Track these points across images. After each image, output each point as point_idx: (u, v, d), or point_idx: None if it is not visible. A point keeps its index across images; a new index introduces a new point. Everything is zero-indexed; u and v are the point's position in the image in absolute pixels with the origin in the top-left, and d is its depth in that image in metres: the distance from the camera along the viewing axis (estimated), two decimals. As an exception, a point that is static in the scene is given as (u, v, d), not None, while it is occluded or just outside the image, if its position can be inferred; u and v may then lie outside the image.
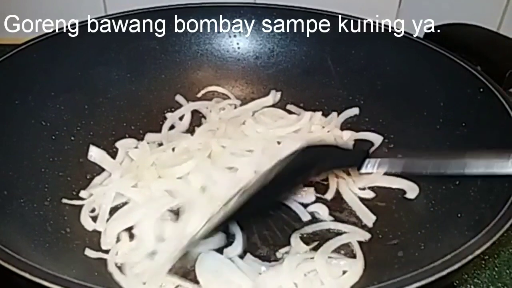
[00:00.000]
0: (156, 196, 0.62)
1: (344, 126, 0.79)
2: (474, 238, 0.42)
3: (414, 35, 0.77)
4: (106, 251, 0.58)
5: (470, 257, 0.39)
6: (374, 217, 0.63)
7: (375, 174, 0.67)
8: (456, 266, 0.39)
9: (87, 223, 0.61)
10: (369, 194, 0.67)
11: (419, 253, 0.54)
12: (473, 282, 0.64)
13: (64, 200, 0.63)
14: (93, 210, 0.63)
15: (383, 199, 0.67)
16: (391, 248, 0.58)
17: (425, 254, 0.53)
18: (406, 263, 0.54)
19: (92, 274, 0.54)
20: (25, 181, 0.61)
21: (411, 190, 0.66)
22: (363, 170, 0.58)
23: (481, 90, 0.64)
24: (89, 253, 0.57)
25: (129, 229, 0.60)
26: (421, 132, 0.71)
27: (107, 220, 0.62)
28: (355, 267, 0.56)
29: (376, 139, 0.75)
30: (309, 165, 0.54)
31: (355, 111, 0.80)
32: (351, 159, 0.59)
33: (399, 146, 0.73)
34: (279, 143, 0.74)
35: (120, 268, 0.55)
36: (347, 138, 0.76)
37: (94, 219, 0.62)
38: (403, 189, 0.67)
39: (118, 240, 0.59)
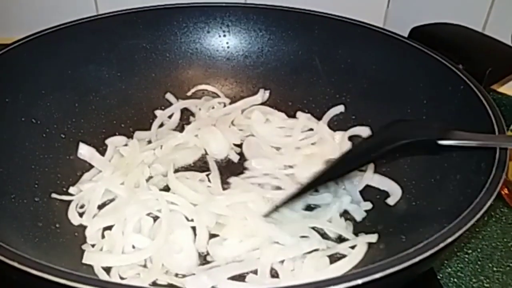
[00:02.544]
0: (143, 197, 0.63)
1: (331, 125, 0.81)
2: (447, 227, 0.43)
3: (399, 35, 0.78)
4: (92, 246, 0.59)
5: (441, 245, 0.41)
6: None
7: (368, 173, 0.69)
8: (428, 253, 0.40)
9: (74, 218, 0.62)
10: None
11: (400, 245, 0.56)
12: (456, 275, 0.66)
13: (54, 195, 0.64)
14: (82, 206, 0.64)
15: (367, 195, 0.69)
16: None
17: (406, 245, 0.54)
18: (388, 255, 0.55)
19: (82, 268, 0.55)
20: (15, 178, 0.62)
21: (394, 195, 0.67)
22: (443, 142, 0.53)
23: (462, 87, 0.65)
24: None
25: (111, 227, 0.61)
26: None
27: (94, 216, 0.63)
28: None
29: (364, 132, 0.77)
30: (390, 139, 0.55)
31: (340, 108, 0.81)
32: (428, 131, 0.55)
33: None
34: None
35: (106, 271, 0.56)
36: (338, 138, 0.77)
37: (82, 214, 0.63)
38: (386, 192, 0.68)
39: (103, 236, 0.60)
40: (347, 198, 0.66)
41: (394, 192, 0.67)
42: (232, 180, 0.69)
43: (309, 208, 0.66)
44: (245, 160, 0.75)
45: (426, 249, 0.41)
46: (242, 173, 0.72)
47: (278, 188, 0.68)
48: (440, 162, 0.64)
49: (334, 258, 0.59)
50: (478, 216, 0.44)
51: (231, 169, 0.73)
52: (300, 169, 0.71)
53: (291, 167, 0.72)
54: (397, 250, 0.54)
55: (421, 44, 0.74)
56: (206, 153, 0.75)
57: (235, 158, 0.75)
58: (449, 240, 0.41)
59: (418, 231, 0.55)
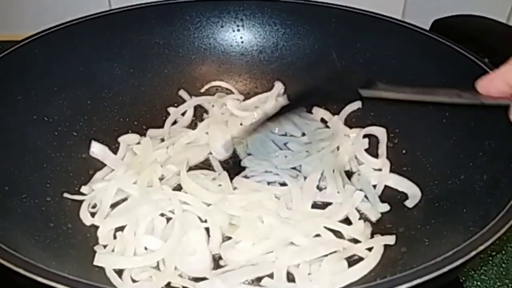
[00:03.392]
0: (155, 197, 0.62)
1: (349, 121, 0.78)
2: (478, 234, 0.41)
3: (420, 27, 0.75)
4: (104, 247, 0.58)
5: (473, 253, 0.38)
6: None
7: (384, 173, 0.66)
8: (458, 262, 0.38)
9: (86, 218, 0.61)
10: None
11: (423, 248, 0.53)
12: (480, 278, 0.63)
13: (66, 195, 0.63)
14: (94, 206, 0.63)
15: (387, 196, 0.66)
16: (394, 244, 0.57)
17: (429, 249, 0.52)
18: (410, 259, 0.53)
19: (93, 270, 0.54)
20: (27, 177, 0.61)
21: (413, 197, 0.64)
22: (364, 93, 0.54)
23: (489, 82, 0.62)
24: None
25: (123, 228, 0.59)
26: (427, 126, 0.70)
27: (107, 216, 0.62)
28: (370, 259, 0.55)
29: (381, 133, 0.74)
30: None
31: (357, 104, 0.78)
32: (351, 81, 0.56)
33: (405, 141, 0.72)
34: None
35: (118, 273, 0.54)
36: (353, 135, 0.75)
37: (94, 214, 0.62)
38: (405, 194, 0.66)
39: (115, 237, 0.59)
40: (360, 197, 0.63)
41: (413, 194, 0.64)
42: (236, 180, 0.67)
43: (320, 206, 0.64)
44: (244, 158, 0.72)
45: (457, 258, 0.38)
46: (241, 171, 0.69)
47: (284, 184, 0.66)
48: (465, 162, 0.61)
49: (352, 261, 0.56)
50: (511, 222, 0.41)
51: (232, 168, 0.71)
52: (307, 165, 0.69)
53: (296, 164, 0.70)
54: (420, 254, 0.52)
55: (444, 37, 0.71)
56: (210, 152, 0.73)
57: (237, 157, 0.73)
58: (481, 248, 0.38)
59: (442, 234, 0.53)
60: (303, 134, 0.76)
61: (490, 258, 0.65)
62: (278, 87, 0.84)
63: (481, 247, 0.39)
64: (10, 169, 0.60)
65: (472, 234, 0.44)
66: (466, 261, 0.39)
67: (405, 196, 0.65)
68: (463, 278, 0.62)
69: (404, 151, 0.71)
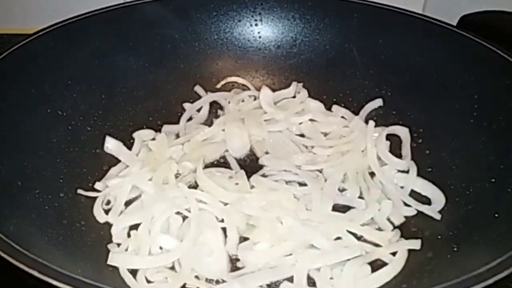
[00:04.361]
0: (171, 195, 0.60)
1: (369, 119, 0.75)
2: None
3: (446, 23, 0.72)
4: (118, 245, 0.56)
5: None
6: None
7: (411, 175, 0.64)
8: (499, 277, 0.35)
9: (100, 215, 0.60)
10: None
11: (451, 255, 0.51)
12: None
13: (79, 191, 0.61)
14: (108, 203, 0.62)
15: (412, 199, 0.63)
16: (419, 249, 0.55)
17: (458, 256, 0.50)
18: (437, 266, 0.51)
19: (107, 269, 0.52)
20: (40, 172, 0.60)
21: (436, 203, 0.61)
22: None
23: (521, 81, 0.59)
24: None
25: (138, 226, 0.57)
26: (453, 126, 0.67)
27: (121, 213, 0.60)
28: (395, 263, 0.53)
29: (404, 133, 0.71)
30: None
31: (378, 102, 0.76)
32: None
33: (429, 141, 0.69)
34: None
35: (132, 273, 0.52)
36: (375, 135, 0.71)
37: (107, 211, 0.60)
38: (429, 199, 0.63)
39: (129, 235, 0.57)
40: (389, 207, 0.60)
41: (437, 200, 0.62)
42: (253, 178, 0.65)
43: (340, 208, 0.61)
44: (261, 156, 0.70)
45: (499, 271, 0.35)
46: (258, 170, 0.67)
47: (303, 184, 0.64)
48: (495, 163, 0.58)
49: (375, 266, 0.54)
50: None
51: (249, 166, 0.69)
52: (328, 165, 0.67)
53: (318, 167, 0.67)
54: (448, 260, 0.50)
55: (472, 33, 0.68)
56: (227, 150, 0.71)
57: (253, 155, 0.71)
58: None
59: (472, 240, 0.50)
60: (325, 135, 0.74)
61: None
62: (296, 86, 0.81)
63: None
64: (23, 163, 0.59)
65: (507, 242, 0.41)
66: (502, 279, 0.36)
67: (428, 200, 0.63)
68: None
69: (428, 152, 0.68)
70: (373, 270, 0.53)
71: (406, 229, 0.59)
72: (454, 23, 0.77)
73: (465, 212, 0.57)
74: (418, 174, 0.65)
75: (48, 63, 0.69)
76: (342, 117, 0.77)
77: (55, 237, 0.53)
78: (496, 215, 0.52)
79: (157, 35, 0.80)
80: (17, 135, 0.61)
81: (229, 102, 0.80)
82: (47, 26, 0.71)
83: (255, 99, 0.80)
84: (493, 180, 0.57)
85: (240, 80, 0.84)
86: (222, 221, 0.58)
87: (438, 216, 0.59)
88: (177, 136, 0.74)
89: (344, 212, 0.61)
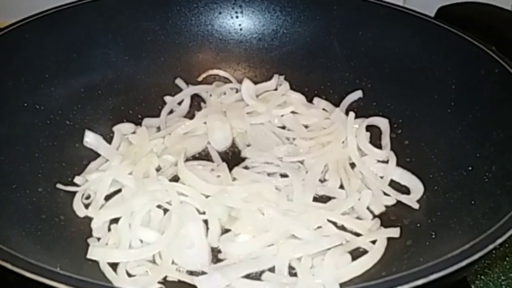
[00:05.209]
0: (152, 188, 0.60)
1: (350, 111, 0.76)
2: (493, 228, 0.39)
3: (424, 15, 0.73)
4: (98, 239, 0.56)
5: (490, 247, 0.36)
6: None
7: (390, 165, 0.65)
8: (475, 257, 0.36)
9: (79, 210, 0.59)
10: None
11: (429, 242, 0.52)
12: (483, 272, 0.62)
13: (58, 185, 0.61)
14: (88, 197, 0.61)
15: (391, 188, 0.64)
16: (399, 237, 0.56)
17: (437, 243, 0.51)
18: (416, 253, 0.52)
19: (87, 264, 0.52)
20: (17, 167, 0.59)
21: (415, 192, 0.62)
22: None
23: (496, 71, 0.60)
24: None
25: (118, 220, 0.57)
26: (432, 116, 0.68)
27: (101, 207, 0.59)
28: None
29: (384, 123, 0.72)
30: None
31: (358, 94, 0.77)
32: None
33: (408, 131, 0.70)
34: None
35: (113, 267, 0.52)
36: (356, 126, 0.72)
37: (87, 206, 0.60)
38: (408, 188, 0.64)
39: (109, 229, 0.57)
40: (368, 197, 0.61)
41: (415, 189, 0.63)
42: (235, 170, 0.65)
43: (321, 199, 0.62)
44: (243, 149, 0.70)
45: (466, 256, 0.36)
46: (241, 162, 0.67)
47: (285, 176, 0.64)
48: (471, 152, 0.59)
49: (355, 254, 0.55)
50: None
51: (231, 159, 0.69)
52: (309, 157, 0.67)
53: (300, 159, 0.68)
54: (427, 247, 0.51)
55: (449, 25, 0.69)
56: (209, 143, 0.71)
57: (235, 147, 0.71)
58: (499, 241, 0.36)
59: (450, 227, 0.51)
60: (306, 127, 0.74)
61: (493, 252, 0.64)
62: (277, 79, 0.81)
63: (499, 240, 0.37)
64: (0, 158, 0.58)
65: (482, 227, 0.42)
66: (476, 260, 0.37)
67: (407, 190, 0.64)
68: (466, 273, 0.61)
69: (407, 142, 0.70)
70: (354, 258, 0.54)
71: (385, 218, 0.60)
72: (433, 15, 0.78)
73: (443, 200, 0.58)
74: (398, 164, 0.66)
75: (25, 56, 0.67)
76: (323, 109, 0.77)
77: (33, 232, 0.53)
78: (472, 201, 0.53)
79: (137, 28, 0.79)
80: (-7, 130, 0.60)
81: (210, 95, 0.79)
82: (23, 18, 0.69)
83: (237, 91, 0.80)
84: (469, 168, 0.58)
85: (221, 72, 0.83)
86: (204, 213, 0.58)
87: (416, 206, 0.60)
88: (158, 129, 0.73)
89: (325, 202, 0.61)
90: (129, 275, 0.52)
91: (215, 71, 0.83)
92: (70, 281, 0.33)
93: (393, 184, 0.65)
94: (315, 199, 0.61)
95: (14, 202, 0.55)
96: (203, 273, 0.52)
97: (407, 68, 0.73)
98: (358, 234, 0.57)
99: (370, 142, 0.69)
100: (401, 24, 0.74)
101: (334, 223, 0.58)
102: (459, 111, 0.65)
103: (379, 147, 0.69)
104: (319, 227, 0.57)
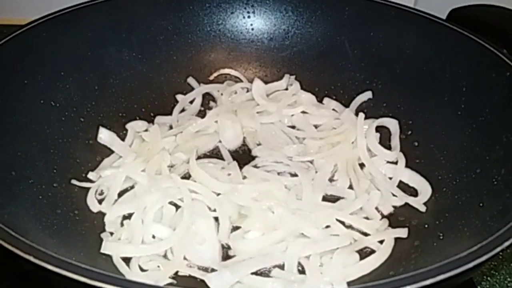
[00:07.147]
0: (164, 185, 0.61)
1: (360, 111, 0.77)
2: (501, 230, 0.39)
3: (436, 16, 0.73)
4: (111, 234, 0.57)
5: (498, 249, 0.37)
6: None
7: (399, 167, 0.65)
8: (482, 259, 0.36)
9: (93, 205, 0.60)
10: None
11: (437, 243, 0.52)
12: (490, 273, 0.62)
13: (73, 181, 0.62)
14: (101, 193, 0.62)
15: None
16: (406, 237, 0.56)
17: (444, 244, 0.51)
18: (424, 253, 0.52)
19: (100, 258, 0.53)
20: (33, 162, 0.60)
21: (423, 194, 0.62)
22: None
23: (508, 74, 0.61)
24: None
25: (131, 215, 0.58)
26: (441, 118, 0.68)
27: (114, 202, 0.61)
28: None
29: (393, 125, 0.72)
30: None
31: (368, 95, 0.77)
32: None
33: (418, 133, 0.71)
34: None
35: (126, 261, 0.54)
36: (365, 127, 0.72)
37: (101, 201, 0.61)
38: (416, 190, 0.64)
39: (122, 224, 0.58)
40: (377, 197, 0.62)
41: (424, 191, 0.63)
42: (245, 169, 0.66)
43: (331, 199, 0.63)
44: (254, 147, 0.71)
45: (481, 254, 0.37)
46: (251, 161, 0.68)
47: (295, 175, 0.65)
48: (481, 155, 0.59)
49: (363, 254, 0.55)
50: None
51: (242, 157, 0.70)
52: (319, 156, 0.68)
53: (309, 158, 0.68)
54: (435, 248, 0.51)
55: (460, 27, 0.69)
56: (220, 141, 0.72)
57: (246, 146, 0.72)
58: (507, 243, 0.37)
59: (458, 228, 0.52)
60: (316, 127, 0.75)
61: (501, 254, 0.64)
62: (288, 78, 0.82)
63: (507, 243, 0.37)
64: (16, 154, 0.59)
65: (490, 229, 0.42)
66: (483, 262, 0.37)
67: (415, 191, 0.64)
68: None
69: (416, 143, 0.70)
70: (361, 257, 0.54)
71: (394, 218, 0.60)
72: (445, 17, 0.78)
73: (452, 202, 0.58)
74: (407, 165, 0.66)
75: (41, 54, 0.69)
76: (333, 109, 0.78)
77: (49, 226, 0.54)
78: (481, 204, 0.53)
79: (150, 27, 0.80)
80: (10, 126, 0.61)
81: (221, 94, 0.80)
82: (40, 16, 0.71)
83: (247, 91, 0.81)
84: (478, 170, 0.58)
85: (232, 72, 0.84)
86: (215, 210, 0.59)
87: (423, 208, 0.60)
88: (170, 127, 0.74)
89: (334, 202, 0.62)
90: (142, 269, 0.53)
91: (226, 70, 0.84)
92: (91, 275, 0.35)
93: (402, 185, 0.65)
94: (324, 199, 0.62)
95: (31, 197, 0.56)
96: (212, 270, 0.53)
97: (417, 69, 0.73)
98: (366, 234, 0.58)
99: (380, 143, 0.70)
100: (412, 26, 0.75)
101: (343, 223, 0.59)
102: (469, 114, 0.65)
103: (389, 148, 0.70)
104: (327, 226, 0.58)
